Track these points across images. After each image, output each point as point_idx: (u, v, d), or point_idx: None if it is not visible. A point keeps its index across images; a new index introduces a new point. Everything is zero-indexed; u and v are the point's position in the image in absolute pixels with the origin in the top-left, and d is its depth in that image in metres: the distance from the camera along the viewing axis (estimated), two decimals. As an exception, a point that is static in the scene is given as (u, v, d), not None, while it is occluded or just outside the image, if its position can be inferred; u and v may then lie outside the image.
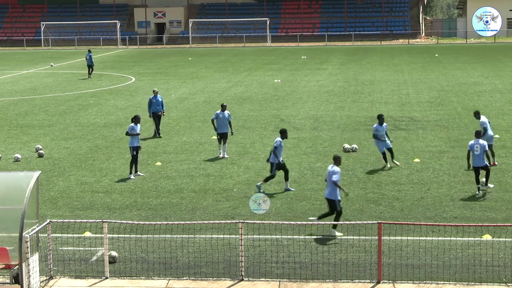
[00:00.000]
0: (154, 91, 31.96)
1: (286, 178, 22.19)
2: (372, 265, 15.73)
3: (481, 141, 21.21)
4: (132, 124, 24.27)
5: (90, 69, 56.76)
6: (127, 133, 24.36)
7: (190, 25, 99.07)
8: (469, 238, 17.20)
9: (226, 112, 26.87)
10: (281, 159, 21.95)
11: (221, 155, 26.71)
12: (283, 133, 22.35)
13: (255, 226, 17.86)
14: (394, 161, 24.92)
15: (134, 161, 24.20)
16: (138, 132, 24.28)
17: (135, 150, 24.13)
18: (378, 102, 40.31)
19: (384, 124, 24.99)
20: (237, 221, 15.91)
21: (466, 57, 68.85)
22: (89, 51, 58.81)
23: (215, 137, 28.31)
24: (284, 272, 15.69)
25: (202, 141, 29.95)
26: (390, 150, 24.83)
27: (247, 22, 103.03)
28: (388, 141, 24.80)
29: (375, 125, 25.06)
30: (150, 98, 31.54)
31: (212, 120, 26.88)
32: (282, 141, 22.06)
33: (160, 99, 31.47)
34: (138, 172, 24.38)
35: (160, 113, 31.30)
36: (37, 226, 15.33)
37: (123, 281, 15.46)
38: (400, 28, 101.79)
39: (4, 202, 15.05)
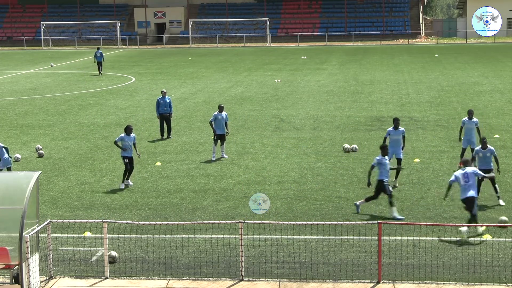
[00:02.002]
0: (162, 91, 31.56)
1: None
2: (372, 265, 15.73)
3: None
4: (122, 135, 22.78)
5: (100, 66, 58.72)
6: (115, 142, 22.93)
7: (190, 25, 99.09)
8: (469, 238, 17.21)
9: (224, 113, 26.68)
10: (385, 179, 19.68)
11: (214, 158, 26.46)
12: (382, 149, 19.94)
13: (255, 226, 17.86)
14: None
15: (127, 170, 22.86)
16: (129, 143, 22.70)
17: (128, 159, 22.74)
18: (378, 102, 40.31)
19: (401, 128, 22.75)
20: (237, 221, 15.90)
21: (466, 57, 68.85)
22: (98, 48, 60.68)
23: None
24: (284, 272, 15.69)
25: (202, 141, 29.94)
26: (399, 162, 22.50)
27: (247, 22, 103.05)
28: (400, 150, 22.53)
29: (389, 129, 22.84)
30: (158, 99, 31.08)
31: (211, 122, 26.60)
32: (380, 159, 19.72)
33: (168, 100, 30.94)
34: (129, 181, 23.08)
35: (168, 114, 30.89)
36: (37, 226, 15.33)
37: (123, 281, 15.46)
38: (400, 28, 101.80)
39: (4, 202, 15.05)
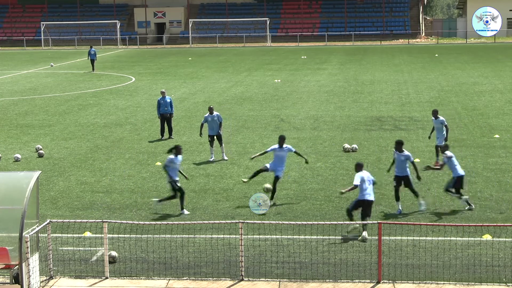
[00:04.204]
0: (162, 92, 31.62)
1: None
2: (372, 265, 15.73)
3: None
4: (172, 157, 20.11)
5: (93, 64, 61.43)
6: (164, 167, 20.31)
7: (190, 25, 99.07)
8: (469, 238, 17.21)
9: (216, 113, 26.57)
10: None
11: (212, 158, 26.38)
12: (445, 147, 20.64)
13: (255, 226, 17.85)
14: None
15: (183, 194, 20.08)
16: (177, 166, 20.06)
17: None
18: (378, 102, 40.32)
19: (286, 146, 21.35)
20: (237, 221, 15.90)
21: (466, 57, 68.85)
22: (91, 47, 63.60)
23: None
24: (284, 272, 15.69)
25: (202, 141, 29.92)
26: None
27: (247, 22, 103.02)
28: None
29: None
30: (158, 100, 31.11)
31: (202, 124, 26.60)
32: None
33: (168, 100, 30.95)
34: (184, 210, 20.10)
35: (168, 114, 30.86)
36: (37, 226, 15.33)
37: (123, 281, 15.46)
38: (400, 28, 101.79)
39: (4, 202, 15.05)
